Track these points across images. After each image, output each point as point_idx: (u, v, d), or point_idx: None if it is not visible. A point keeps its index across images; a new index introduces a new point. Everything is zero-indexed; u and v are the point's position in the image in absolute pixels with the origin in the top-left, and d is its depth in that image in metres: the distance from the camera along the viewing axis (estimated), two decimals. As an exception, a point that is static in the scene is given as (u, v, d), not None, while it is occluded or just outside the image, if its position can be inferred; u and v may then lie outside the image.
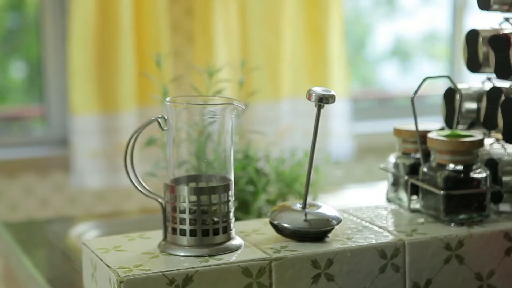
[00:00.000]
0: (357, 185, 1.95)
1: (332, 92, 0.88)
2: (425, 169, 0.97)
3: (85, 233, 1.43)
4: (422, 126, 1.01)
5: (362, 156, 2.84)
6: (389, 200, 1.16)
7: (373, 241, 0.89)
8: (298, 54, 2.58)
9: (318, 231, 0.89)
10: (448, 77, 0.99)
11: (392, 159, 1.04)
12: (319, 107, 0.89)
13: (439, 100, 3.35)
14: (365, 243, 0.88)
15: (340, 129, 2.68)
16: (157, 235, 0.92)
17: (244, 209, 1.27)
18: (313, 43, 2.60)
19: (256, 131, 1.33)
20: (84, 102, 2.29)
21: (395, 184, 1.03)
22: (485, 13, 1.02)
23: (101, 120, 2.32)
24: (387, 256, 0.88)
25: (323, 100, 0.88)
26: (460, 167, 0.94)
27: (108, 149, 2.32)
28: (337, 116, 2.67)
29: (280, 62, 2.50)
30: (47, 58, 2.42)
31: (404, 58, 3.28)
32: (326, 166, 1.39)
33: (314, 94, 0.88)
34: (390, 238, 0.90)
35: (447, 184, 0.93)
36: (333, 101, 0.88)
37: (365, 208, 1.02)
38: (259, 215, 1.31)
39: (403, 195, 1.02)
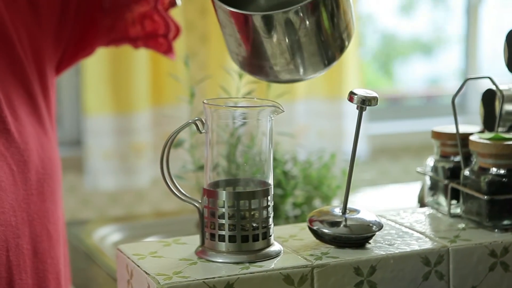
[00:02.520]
0: (373, 187, 1.93)
1: (374, 94, 0.86)
2: (466, 173, 0.94)
3: (107, 236, 1.41)
4: (460, 129, 0.99)
5: (375, 157, 2.81)
6: (422, 204, 1.14)
7: (416, 248, 0.86)
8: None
9: (360, 237, 0.86)
10: (489, 78, 0.97)
11: (430, 162, 1.02)
12: (361, 109, 0.86)
13: (449, 100, 3.32)
14: (408, 250, 0.86)
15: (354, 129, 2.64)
16: (192, 240, 0.89)
17: (272, 213, 1.25)
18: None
19: (283, 133, 1.30)
20: (98, 102, 2.27)
21: (433, 188, 1.01)
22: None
23: (115, 121, 2.30)
24: (430, 263, 0.86)
25: (366, 102, 0.85)
26: (503, 171, 0.91)
27: (122, 150, 2.30)
28: (351, 116, 2.64)
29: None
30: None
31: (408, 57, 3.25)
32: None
33: (356, 96, 0.85)
34: (434, 244, 0.87)
35: (490, 188, 0.91)
36: (376, 103, 0.86)
37: (402, 212, 1.00)
38: (287, 218, 1.29)
39: (442, 199, 0.99)
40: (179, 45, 2.36)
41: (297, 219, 1.31)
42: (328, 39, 0.88)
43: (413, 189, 1.78)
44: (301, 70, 0.91)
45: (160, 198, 2.52)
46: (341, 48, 0.91)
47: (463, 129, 0.99)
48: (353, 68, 2.61)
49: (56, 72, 1.04)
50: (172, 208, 2.48)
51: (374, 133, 2.77)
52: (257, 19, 0.85)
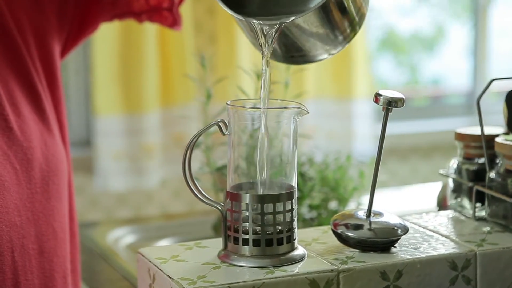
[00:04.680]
0: (384, 188, 1.92)
1: (401, 95, 0.84)
2: (492, 175, 0.92)
3: (120, 239, 1.39)
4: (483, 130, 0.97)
5: (384, 158, 2.80)
6: (441, 206, 1.13)
7: (443, 252, 0.85)
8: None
9: (385, 241, 0.85)
10: (515, 79, 0.95)
11: (453, 164, 1.00)
12: (387, 111, 0.84)
13: (458, 100, 3.32)
14: (435, 254, 0.84)
15: (364, 130, 2.64)
16: (214, 243, 0.88)
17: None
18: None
19: (300, 134, 1.29)
20: (108, 103, 2.26)
21: (456, 190, 0.99)
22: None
23: (125, 121, 2.29)
24: (458, 267, 0.84)
25: (392, 104, 0.84)
26: (529, 174, 0.90)
27: (132, 151, 2.29)
28: (360, 117, 2.63)
29: (304, 62, 2.45)
30: (67, 59, 2.38)
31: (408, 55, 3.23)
32: (370, 169, 1.35)
33: (382, 98, 0.84)
34: (461, 248, 0.86)
35: (517, 191, 0.89)
36: (402, 105, 0.84)
37: (425, 215, 0.98)
38: (303, 221, 1.27)
39: (465, 202, 0.97)
40: (187, 45, 2.35)
41: (314, 221, 1.30)
42: (342, 25, 0.87)
43: (425, 190, 1.77)
44: (319, 55, 0.91)
45: (168, 200, 2.50)
46: (354, 29, 0.90)
47: (487, 130, 0.97)
48: (362, 69, 2.59)
49: (61, 55, 1.03)
50: (181, 210, 2.46)
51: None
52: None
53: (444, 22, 3.19)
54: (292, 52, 0.89)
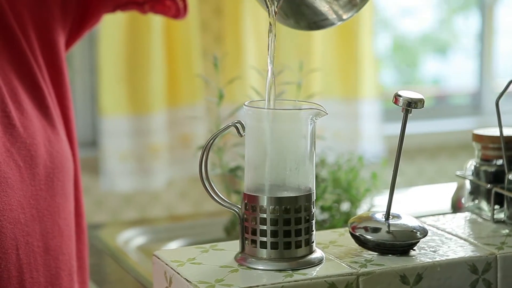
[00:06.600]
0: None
1: (421, 96, 0.83)
2: (511, 177, 0.91)
3: (130, 240, 1.39)
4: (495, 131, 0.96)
5: (391, 158, 2.78)
6: (455, 208, 1.11)
7: (463, 255, 0.84)
8: (328, 54, 2.54)
9: (404, 244, 0.84)
10: (534, 79, 0.94)
11: (470, 166, 0.99)
12: (407, 112, 0.83)
13: (463, 100, 3.30)
14: (455, 257, 0.83)
15: (370, 130, 2.63)
16: (230, 246, 0.87)
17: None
18: (344, 43, 2.56)
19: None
20: (114, 103, 2.25)
21: (474, 192, 0.98)
22: None
23: (131, 121, 2.28)
24: (478, 271, 0.83)
25: (412, 105, 0.83)
26: (549, 176, 0.89)
27: (138, 151, 2.28)
28: (368, 117, 2.62)
29: (310, 62, 2.45)
30: (73, 59, 2.37)
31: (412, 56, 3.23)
32: (383, 170, 1.34)
33: (401, 98, 0.83)
34: (481, 251, 0.84)
35: (537, 193, 0.88)
36: (422, 106, 0.83)
37: (442, 217, 0.97)
38: (316, 222, 1.26)
39: (483, 204, 0.96)
40: (194, 45, 2.34)
41: (326, 223, 1.28)
42: None
43: (434, 191, 1.76)
44: (337, 15, 0.91)
45: (174, 200, 2.49)
46: None
47: (506, 132, 0.96)
48: (369, 69, 2.58)
49: (66, 47, 1.02)
50: (187, 211, 2.45)
51: (390, 134, 2.74)
52: None
53: (449, 22, 3.18)
54: (308, 19, 0.89)
